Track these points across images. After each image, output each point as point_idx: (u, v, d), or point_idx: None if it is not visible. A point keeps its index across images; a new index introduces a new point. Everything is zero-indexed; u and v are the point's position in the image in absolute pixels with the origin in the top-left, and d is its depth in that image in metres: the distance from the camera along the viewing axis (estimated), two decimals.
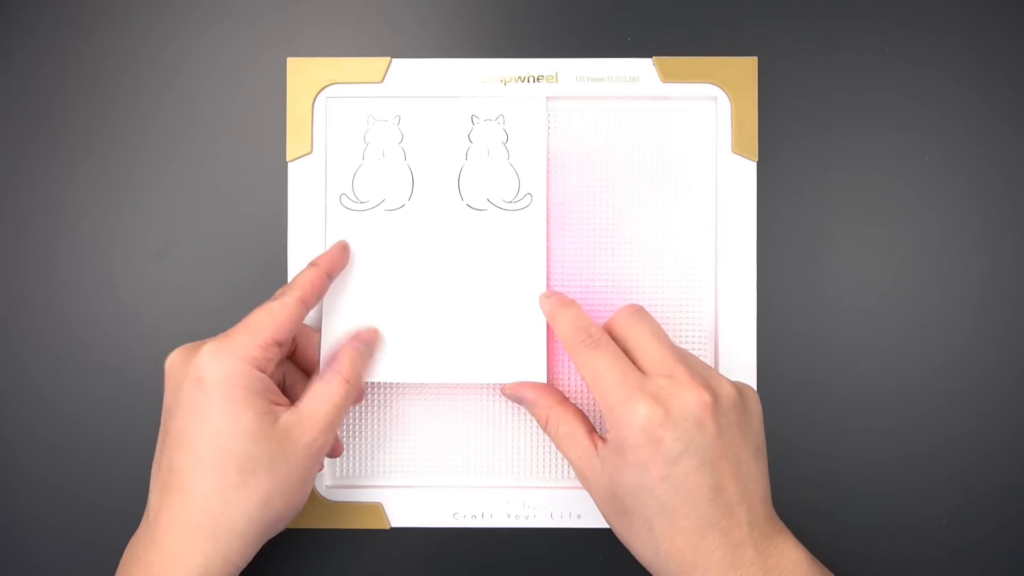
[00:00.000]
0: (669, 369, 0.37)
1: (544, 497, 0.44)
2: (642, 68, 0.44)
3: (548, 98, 0.44)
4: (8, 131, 0.45)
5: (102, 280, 0.45)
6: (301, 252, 0.44)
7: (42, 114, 0.45)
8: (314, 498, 0.44)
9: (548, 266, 0.44)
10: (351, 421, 0.44)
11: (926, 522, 0.44)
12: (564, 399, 0.41)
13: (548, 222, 0.44)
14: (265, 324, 0.37)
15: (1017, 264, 0.44)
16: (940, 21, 0.45)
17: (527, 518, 0.44)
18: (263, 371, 0.37)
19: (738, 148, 0.44)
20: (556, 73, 0.44)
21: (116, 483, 0.44)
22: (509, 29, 0.45)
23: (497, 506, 0.44)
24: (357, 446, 0.44)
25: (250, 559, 0.37)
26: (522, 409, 0.44)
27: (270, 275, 0.44)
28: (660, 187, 0.44)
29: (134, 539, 0.37)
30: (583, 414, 0.40)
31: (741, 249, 0.44)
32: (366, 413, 0.44)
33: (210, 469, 0.35)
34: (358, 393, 0.40)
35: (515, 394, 0.42)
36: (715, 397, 0.36)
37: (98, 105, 0.45)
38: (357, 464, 0.44)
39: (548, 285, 0.44)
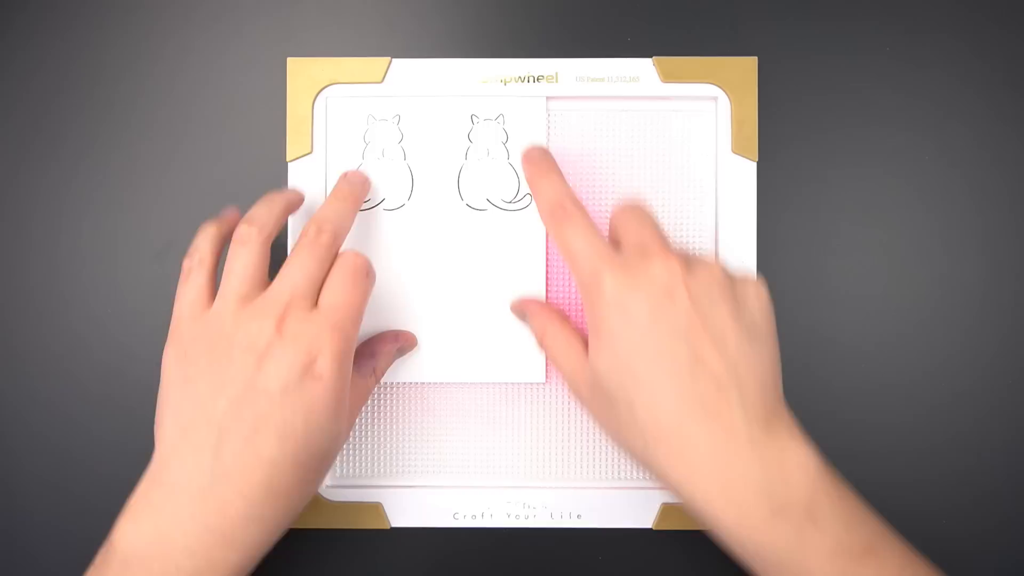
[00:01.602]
0: (644, 243, 0.35)
1: (544, 497, 0.44)
2: (642, 68, 0.44)
3: (548, 98, 0.44)
4: (8, 131, 0.45)
5: (102, 280, 0.45)
6: None
7: (42, 114, 0.45)
8: (314, 498, 0.44)
9: (548, 266, 0.44)
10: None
11: (926, 521, 0.44)
12: (566, 317, 0.39)
13: None
14: (357, 319, 0.36)
15: (1017, 264, 0.44)
16: (940, 21, 0.45)
17: (527, 518, 0.44)
18: None
19: (738, 148, 0.44)
20: (556, 73, 0.44)
21: (116, 483, 0.44)
22: (509, 29, 0.45)
23: (497, 506, 0.44)
24: (357, 446, 0.44)
25: None
26: (522, 409, 0.44)
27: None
28: (660, 187, 0.44)
29: (162, 526, 0.33)
30: (582, 334, 0.38)
31: (741, 249, 0.44)
32: (366, 413, 0.44)
33: (302, 466, 0.34)
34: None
35: (519, 308, 0.42)
36: (690, 269, 0.34)
37: (98, 105, 0.45)
38: (357, 464, 0.44)
39: (547, 285, 0.44)
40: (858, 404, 0.44)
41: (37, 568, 0.44)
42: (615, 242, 0.37)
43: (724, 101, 0.44)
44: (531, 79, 0.44)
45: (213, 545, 0.33)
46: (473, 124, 0.44)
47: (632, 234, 0.36)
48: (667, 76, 0.44)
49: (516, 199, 0.44)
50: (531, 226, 0.44)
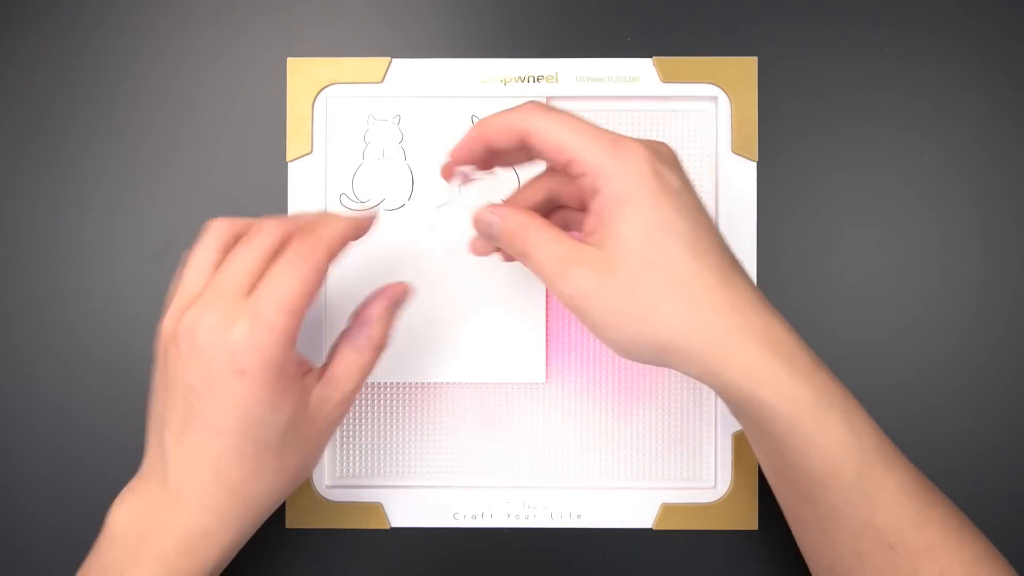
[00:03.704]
0: (611, 133, 0.34)
1: (544, 497, 0.44)
2: (642, 68, 0.44)
3: (548, 98, 0.44)
4: (8, 131, 0.45)
5: (102, 280, 0.45)
6: None
7: (42, 114, 0.45)
8: (314, 498, 0.44)
9: None
10: (351, 421, 0.44)
11: None
12: (544, 217, 0.36)
13: None
14: (302, 298, 0.33)
15: (1016, 264, 0.45)
16: (940, 21, 0.45)
17: (527, 518, 0.44)
18: (295, 343, 0.34)
19: (738, 148, 0.44)
20: (556, 73, 0.44)
21: (116, 483, 0.44)
22: (509, 29, 0.45)
23: (497, 506, 0.44)
24: (357, 446, 0.44)
25: None
26: (522, 409, 0.44)
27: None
28: None
29: (134, 515, 0.35)
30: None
31: (741, 249, 0.44)
32: (366, 413, 0.44)
33: (248, 458, 0.34)
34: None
35: (487, 215, 0.36)
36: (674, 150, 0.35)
37: (98, 105, 0.45)
38: (357, 464, 0.44)
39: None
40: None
41: (37, 568, 0.44)
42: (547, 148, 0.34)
43: (724, 101, 0.44)
44: (531, 79, 0.44)
45: (183, 533, 0.34)
46: (473, 124, 0.44)
47: (587, 126, 0.34)
48: (667, 76, 0.44)
49: None
50: None
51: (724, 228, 0.44)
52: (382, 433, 0.44)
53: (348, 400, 0.37)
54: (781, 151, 0.44)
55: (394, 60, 0.44)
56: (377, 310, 0.38)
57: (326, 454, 0.44)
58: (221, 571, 0.36)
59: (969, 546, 0.33)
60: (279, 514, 0.44)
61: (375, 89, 0.44)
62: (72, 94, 0.45)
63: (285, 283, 0.33)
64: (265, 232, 0.35)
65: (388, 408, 0.44)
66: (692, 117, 0.44)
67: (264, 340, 0.32)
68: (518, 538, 0.44)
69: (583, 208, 0.37)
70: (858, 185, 0.45)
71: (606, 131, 0.33)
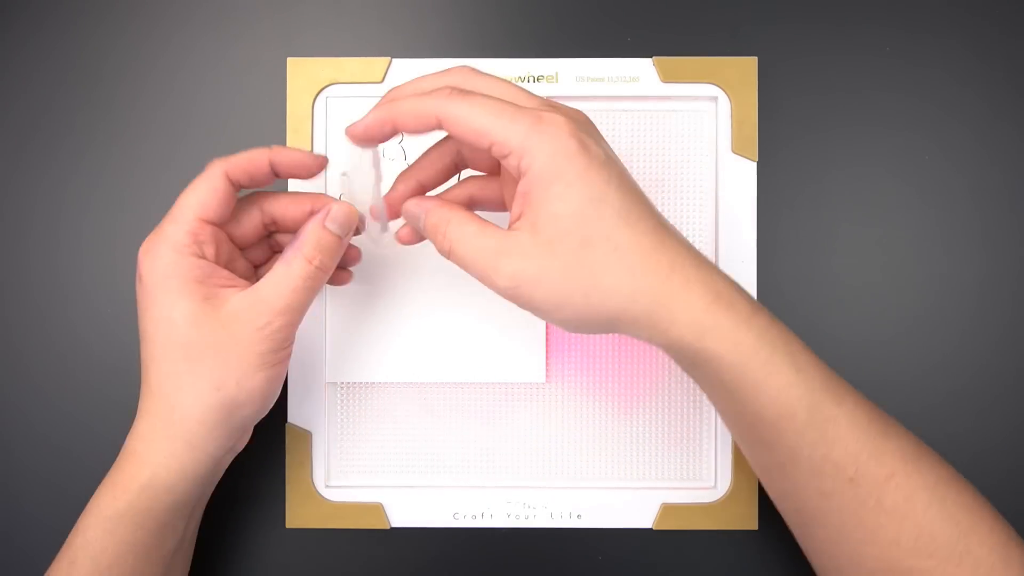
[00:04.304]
0: (537, 96, 0.34)
1: (544, 497, 0.44)
2: (642, 68, 0.44)
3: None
4: (8, 131, 0.45)
5: (102, 279, 0.45)
6: None
7: (42, 114, 0.45)
8: (314, 498, 0.44)
9: None
10: (351, 421, 0.44)
11: None
12: (464, 207, 0.36)
13: None
14: (190, 207, 0.36)
15: (1016, 264, 0.44)
16: (940, 21, 0.45)
17: (527, 518, 0.44)
18: (203, 255, 0.36)
19: (738, 148, 0.44)
20: (556, 73, 0.44)
21: None
22: (509, 29, 0.45)
23: (497, 506, 0.44)
24: (357, 446, 0.44)
25: (221, 452, 0.37)
26: (522, 409, 0.44)
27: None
28: (660, 187, 0.44)
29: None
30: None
31: (741, 249, 0.44)
32: (366, 413, 0.44)
33: (159, 359, 0.36)
34: (326, 274, 0.37)
35: (414, 208, 0.36)
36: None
37: (98, 104, 0.45)
38: (357, 464, 0.44)
39: None
40: None
41: (37, 568, 0.44)
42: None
43: (724, 101, 0.44)
44: (531, 79, 0.44)
45: (129, 442, 0.37)
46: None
47: (521, 96, 0.34)
48: (667, 76, 0.44)
49: None
50: None
51: (724, 228, 0.44)
52: (382, 433, 0.44)
53: (279, 314, 0.36)
54: (781, 151, 0.44)
55: (394, 60, 0.44)
56: (310, 227, 0.37)
57: (325, 454, 0.44)
58: (172, 493, 0.36)
59: (930, 471, 0.34)
60: (279, 514, 0.44)
61: (375, 89, 0.44)
62: (72, 94, 0.45)
63: (185, 197, 0.36)
64: (204, 177, 0.37)
65: (388, 408, 0.44)
66: (692, 117, 0.44)
67: (154, 247, 0.36)
68: (518, 538, 0.44)
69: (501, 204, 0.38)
70: (858, 185, 0.45)
71: (523, 108, 0.33)
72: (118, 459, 0.37)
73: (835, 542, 0.34)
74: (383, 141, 0.36)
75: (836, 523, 0.34)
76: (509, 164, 0.33)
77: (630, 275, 0.32)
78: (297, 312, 0.36)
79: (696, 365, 0.34)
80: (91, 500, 0.37)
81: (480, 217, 0.34)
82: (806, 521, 0.36)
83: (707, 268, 0.34)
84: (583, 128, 0.33)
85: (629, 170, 0.35)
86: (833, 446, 0.33)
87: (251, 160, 0.37)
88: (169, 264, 0.35)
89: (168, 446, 0.36)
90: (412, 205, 0.36)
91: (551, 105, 0.34)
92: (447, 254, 0.35)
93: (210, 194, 0.36)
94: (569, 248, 0.32)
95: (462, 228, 0.34)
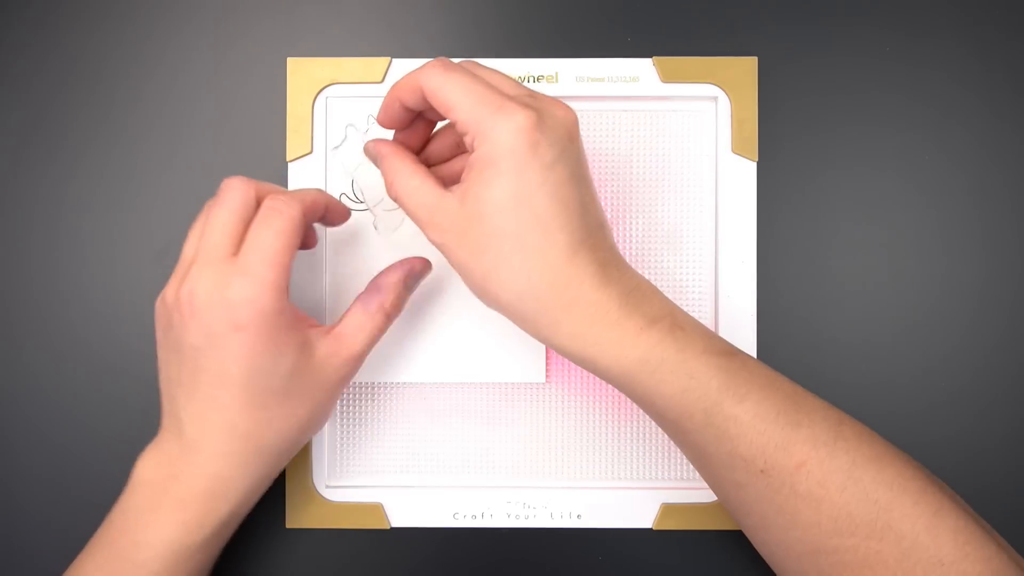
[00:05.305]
0: (527, 91, 0.35)
1: (544, 497, 0.44)
2: (642, 68, 0.44)
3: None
4: (8, 131, 0.45)
5: (102, 279, 0.45)
6: (301, 252, 0.43)
7: (42, 114, 0.45)
8: (314, 498, 0.44)
9: None
10: (351, 421, 0.44)
11: None
12: (416, 159, 0.38)
13: None
14: (280, 249, 0.36)
15: (1016, 264, 0.45)
16: (940, 21, 0.45)
17: (527, 518, 0.44)
18: (286, 294, 0.37)
19: (738, 148, 0.44)
20: (556, 73, 0.44)
21: (116, 483, 0.44)
22: (509, 29, 0.45)
23: (497, 506, 0.44)
24: (357, 446, 0.44)
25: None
26: (522, 409, 0.44)
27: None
28: (660, 187, 0.44)
29: (155, 466, 0.38)
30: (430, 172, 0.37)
31: (741, 249, 0.44)
32: (366, 413, 0.44)
33: (255, 406, 0.36)
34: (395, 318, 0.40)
35: (372, 149, 0.38)
36: (575, 118, 0.35)
37: (98, 105, 0.45)
38: (357, 464, 0.44)
39: None
40: (858, 402, 0.44)
41: (37, 567, 0.44)
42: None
43: (724, 101, 0.44)
44: (531, 79, 0.44)
45: (201, 479, 0.37)
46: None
47: (506, 83, 0.35)
48: (667, 76, 0.44)
49: None
50: None
51: (724, 228, 0.44)
52: (382, 433, 0.44)
53: (355, 359, 0.39)
54: (781, 151, 0.44)
55: (394, 60, 0.44)
56: (392, 278, 0.40)
57: (325, 454, 0.44)
58: (241, 517, 0.39)
59: (844, 454, 0.33)
60: (279, 514, 0.44)
61: (375, 89, 0.44)
62: (72, 94, 0.45)
63: (266, 239, 0.36)
64: (233, 189, 0.37)
65: (388, 408, 0.44)
66: (692, 117, 0.44)
67: (256, 294, 0.35)
68: (518, 538, 0.44)
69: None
70: (858, 185, 0.45)
71: (497, 93, 0.34)
72: (181, 498, 0.37)
73: (762, 528, 0.35)
74: (405, 126, 0.38)
75: (758, 511, 0.35)
76: (466, 141, 0.34)
77: (525, 276, 0.34)
78: (366, 357, 0.39)
79: (585, 367, 0.35)
80: (138, 536, 0.37)
81: (425, 170, 0.36)
82: (733, 510, 0.36)
83: (607, 288, 0.34)
84: (544, 126, 0.33)
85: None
86: (737, 442, 0.34)
87: (315, 203, 0.39)
88: (275, 313, 0.35)
89: (249, 483, 0.38)
90: (371, 146, 0.38)
91: (536, 99, 0.35)
92: (395, 200, 0.37)
93: (296, 238, 0.37)
94: (482, 232, 0.34)
95: (408, 181, 0.36)
